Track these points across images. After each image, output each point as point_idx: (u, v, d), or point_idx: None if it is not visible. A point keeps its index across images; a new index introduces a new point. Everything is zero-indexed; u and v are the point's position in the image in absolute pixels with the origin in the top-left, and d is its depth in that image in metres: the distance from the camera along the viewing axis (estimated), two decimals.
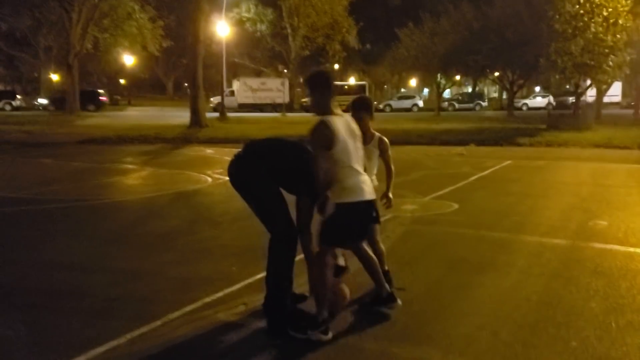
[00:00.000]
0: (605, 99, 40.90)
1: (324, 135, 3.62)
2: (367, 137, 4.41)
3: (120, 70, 56.86)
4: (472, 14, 34.94)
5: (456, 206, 8.03)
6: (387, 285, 4.18)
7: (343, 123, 3.76)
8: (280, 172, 3.91)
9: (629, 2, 21.19)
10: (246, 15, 49.17)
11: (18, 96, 48.65)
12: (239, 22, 48.60)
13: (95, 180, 11.18)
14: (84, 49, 37.50)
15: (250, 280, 4.79)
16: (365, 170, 4.02)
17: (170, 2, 38.03)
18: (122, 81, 63.44)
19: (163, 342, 3.72)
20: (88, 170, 12.57)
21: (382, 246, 4.63)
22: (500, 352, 3.57)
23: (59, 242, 6.33)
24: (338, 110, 3.80)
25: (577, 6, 21.27)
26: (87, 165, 13.49)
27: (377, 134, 4.56)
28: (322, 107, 3.76)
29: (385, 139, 4.58)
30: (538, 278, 4.96)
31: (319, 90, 3.78)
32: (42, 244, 6.20)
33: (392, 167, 4.61)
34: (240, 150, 4.07)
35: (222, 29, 37.28)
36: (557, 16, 21.84)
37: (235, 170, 3.98)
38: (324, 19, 44.69)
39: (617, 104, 48.36)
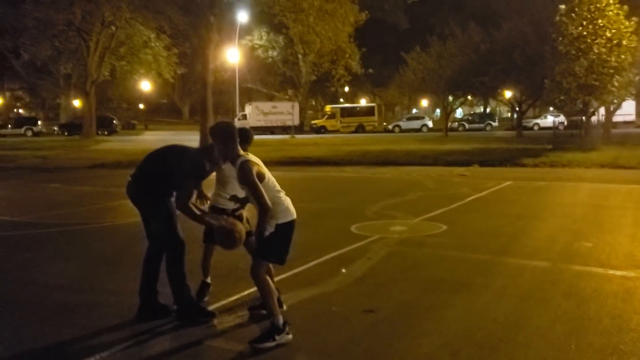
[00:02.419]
0: (619, 118, 40.63)
1: (257, 171, 4.02)
2: None
3: (139, 96, 58.11)
4: (480, 36, 35.21)
5: (445, 228, 8.13)
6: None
7: (255, 158, 4.20)
8: (171, 176, 4.44)
9: (632, 23, 21.27)
10: (258, 42, 50.19)
11: (39, 122, 50.01)
12: (251, 49, 49.57)
13: (100, 204, 11.48)
14: (101, 76, 38.44)
15: (225, 301, 4.97)
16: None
17: (185, 30, 38.91)
18: (140, 106, 64.78)
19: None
20: (94, 194, 12.90)
21: None
22: None
23: (52, 264, 6.55)
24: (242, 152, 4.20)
25: (580, 28, 21.38)
26: (94, 189, 13.84)
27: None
28: (230, 154, 4.11)
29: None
30: (510, 299, 5.05)
31: (223, 140, 4.13)
32: (35, 266, 6.42)
33: None
34: (134, 172, 4.60)
35: (234, 56, 37.97)
36: (561, 38, 21.96)
37: (134, 191, 4.58)
38: (328, 46, 45.57)
39: (631, 122, 48.00)
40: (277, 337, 3.98)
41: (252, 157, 4.13)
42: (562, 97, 22.34)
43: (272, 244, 4.10)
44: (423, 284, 5.51)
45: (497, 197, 11.44)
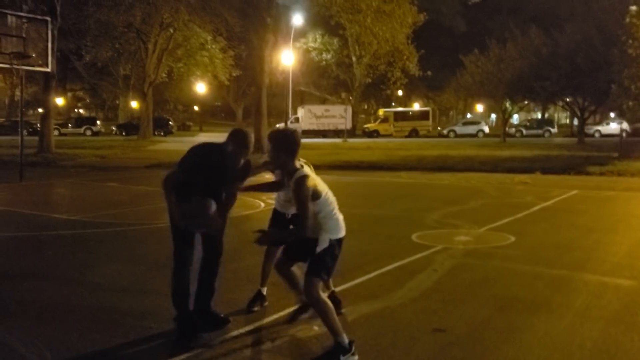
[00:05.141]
0: None
1: (313, 191, 3.76)
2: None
3: (194, 98, 59.19)
4: (541, 39, 33.89)
5: (513, 239, 7.62)
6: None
7: (310, 170, 4.00)
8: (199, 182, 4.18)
9: None
10: (312, 45, 50.14)
11: (98, 122, 51.67)
12: (306, 52, 49.56)
13: (154, 204, 11.41)
14: (158, 77, 39.22)
15: (283, 312, 4.66)
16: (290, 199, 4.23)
17: (241, 32, 39.23)
18: (195, 108, 66.04)
19: None
20: (149, 194, 12.91)
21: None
22: None
23: (105, 266, 6.40)
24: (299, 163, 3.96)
25: None
26: (149, 189, 13.87)
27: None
28: (288, 165, 3.85)
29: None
30: (595, 322, 4.55)
31: (284, 149, 3.83)
32: (88, 268, 6.30)
33: None
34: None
35: (288, 58, 38.02)
36: (631, 41, 20.82)
37: None
38: (385, 47, 44.92)
39: None
40: (342, 358, 3.64)
41: (309, 171, 3.87)
42: (630, 103, 21.18)
43: (325, 259, 3.82)
44: (496, 302, 5.05)
45: (564, 207, 10.77)
